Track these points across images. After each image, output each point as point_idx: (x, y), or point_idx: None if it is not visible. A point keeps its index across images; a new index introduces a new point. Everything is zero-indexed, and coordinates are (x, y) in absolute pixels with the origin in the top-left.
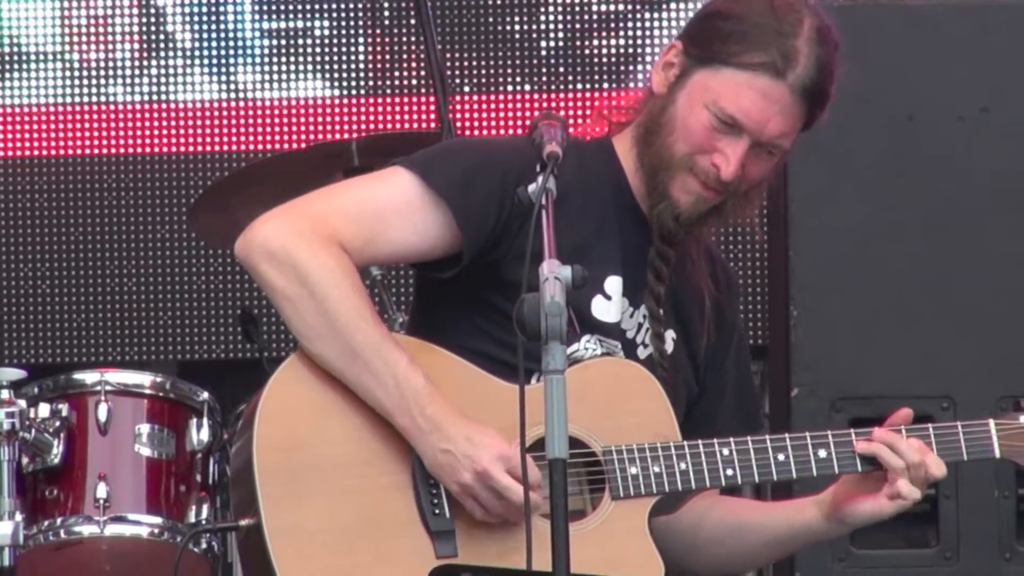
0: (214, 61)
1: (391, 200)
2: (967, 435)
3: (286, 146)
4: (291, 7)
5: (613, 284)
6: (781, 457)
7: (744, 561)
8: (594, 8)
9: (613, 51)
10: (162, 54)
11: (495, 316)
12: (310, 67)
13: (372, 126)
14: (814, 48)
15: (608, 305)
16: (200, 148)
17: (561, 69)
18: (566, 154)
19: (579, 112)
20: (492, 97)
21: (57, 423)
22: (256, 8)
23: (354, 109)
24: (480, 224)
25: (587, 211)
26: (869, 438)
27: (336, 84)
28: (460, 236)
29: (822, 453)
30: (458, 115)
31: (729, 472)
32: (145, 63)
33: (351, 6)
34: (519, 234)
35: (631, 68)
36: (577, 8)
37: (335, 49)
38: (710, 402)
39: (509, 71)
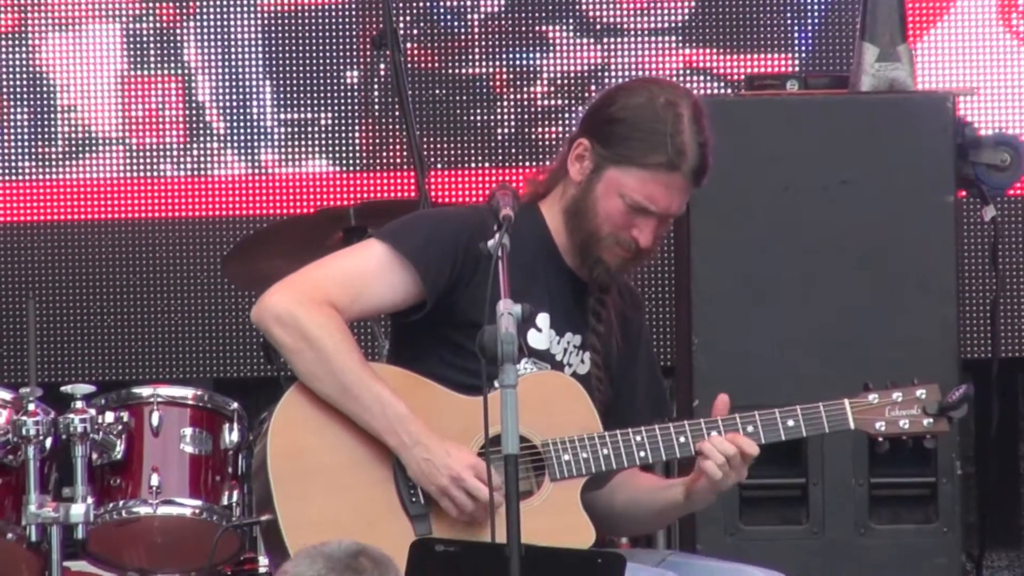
0: (242, 144)
1: (369, 266)
2: (827, 412)
3: (298, 210)
4: (303, 102)
5: (542, 320)
6: (682, 439)
7: (643, 526)
8: (538, 103)
9: (554, 136)
10: (202, 138)
11: (453, 347)
12: (318, 148)
13: (366, 195)
14: (695, 136)
15: (539, 336)
16: (231, 212)
17: (513, 150)
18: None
19: None
20: (460, 172)
21: (119, 427)
22: (275, 102)
23: (352, 181)
24: (438, 277)
25: (520, 262)
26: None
27: (338, 162)
28: (423, 288)
29: (713, 433)
30: (433, 186)
31: (642, 454)
32: (188, 146)
33: (349, 101)
34: (470, 283)
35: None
36: (525, 103)
37: (337, 134)
38: (626, 399)
39: (473, 151)
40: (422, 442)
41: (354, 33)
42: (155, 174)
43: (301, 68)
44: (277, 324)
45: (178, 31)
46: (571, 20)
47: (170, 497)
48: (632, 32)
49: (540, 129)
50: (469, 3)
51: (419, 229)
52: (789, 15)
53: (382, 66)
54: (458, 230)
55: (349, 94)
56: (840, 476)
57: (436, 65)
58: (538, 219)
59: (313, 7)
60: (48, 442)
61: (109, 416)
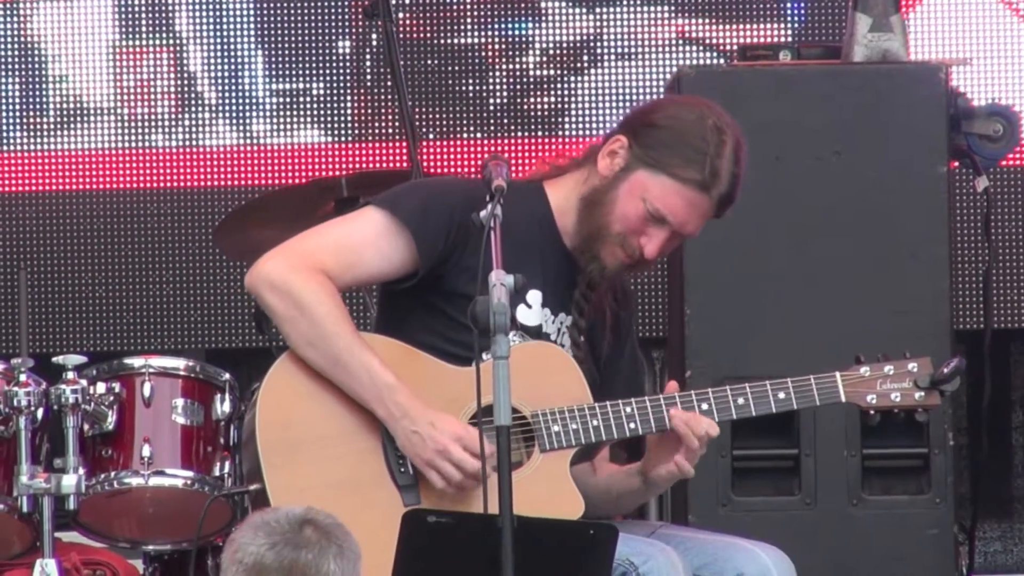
0: (234, 114)
1: (364, 234)
2: (818, 385)
3: (290, 181)
4: (294, 72)
5: (534, 296)
6: (672, 411)
7: (619, 507)
8: (531, 73)
9: (545, 107)
10: (193, 109)
11: (441, 317)
12: (309, 119)
13: (358, 165)
14: (732, 167)
15: (529, 312)
16: (223, 183)
17: (505, 121)
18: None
19: (520, 154)
20: (451, 142)
21: (111, 398)
22: (267, 73)
23: (344, 152)
24: (433, 246)
25: (514, 237)
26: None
27: (330, 132)
28: (418, 257)
29: (704, 406)
30: (425, 157)
31: (632, 425)
32: (180, 116)
33: (341, 71)
34: (463, 253)
35: (559, 120)
36: (518, 73)
37: (329, 105)
38: (607, 385)
39: (465, 122)
40: (409, 414)
41: (346, 3)
42: (146, 145)
43: (293, 38)
44: (270, 290)
45: (170, 1)
46: None
47: (162, 468)
48: (625, 2)
49: (532, 99)
50: None
51: (416, 197)
52: None
53: (374, 36)
54: (454, 201)
55: (341, 64)
56: (832, 447)
57: (428, 35)
58: (541, 197)
59: None
60: (39, 413)
61: (101, 387)
